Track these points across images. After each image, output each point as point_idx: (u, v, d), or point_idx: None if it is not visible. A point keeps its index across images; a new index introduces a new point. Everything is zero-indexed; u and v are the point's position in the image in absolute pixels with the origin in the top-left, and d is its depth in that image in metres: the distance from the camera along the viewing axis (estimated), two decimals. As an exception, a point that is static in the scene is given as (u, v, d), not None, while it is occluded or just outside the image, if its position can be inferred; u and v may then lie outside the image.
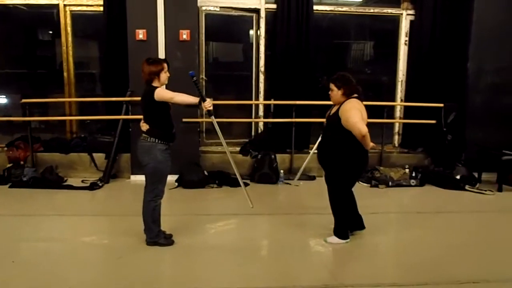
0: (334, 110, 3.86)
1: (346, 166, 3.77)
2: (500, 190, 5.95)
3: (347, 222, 3.99)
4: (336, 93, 3.77)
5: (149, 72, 3.66)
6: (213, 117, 3.86)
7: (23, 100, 6.30)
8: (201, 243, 4.00)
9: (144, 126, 3.74)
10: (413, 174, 6.20)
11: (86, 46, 7.19)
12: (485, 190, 5.89)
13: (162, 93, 3.61)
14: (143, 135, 3.74)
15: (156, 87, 3.64)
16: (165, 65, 3.71)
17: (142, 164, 3.77)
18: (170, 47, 6.03)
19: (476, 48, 6.54)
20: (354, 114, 3.63)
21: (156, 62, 3.71)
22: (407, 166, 6.34)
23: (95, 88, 7.21)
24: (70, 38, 6.63)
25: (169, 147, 3.79)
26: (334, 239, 3.93)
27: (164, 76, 3.70)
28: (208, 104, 3.61)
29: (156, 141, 3.69)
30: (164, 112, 3.72)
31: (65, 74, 6.67)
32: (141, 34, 5.97)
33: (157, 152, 3.69)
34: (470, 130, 6.54)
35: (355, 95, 3.78)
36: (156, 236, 3.85)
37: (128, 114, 6.21)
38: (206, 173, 6.08)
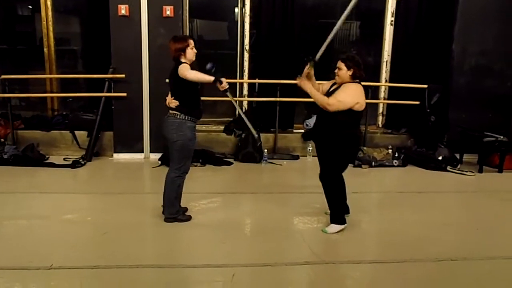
0: (334, 89, 3.75)
1: (342, 145, 3.69)
2: (480, 171, 6.04)
3: (343, 206, 3.91)
4: (344, 72, 3.65)
5: (175, 49, 3.72)
6: (228, 93, 3.83)
7: (3, 76, 6.14)
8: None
9: (174, 103, 3.74)
10: (396, 155, 6.26)
11: (67, 22, 7.01)
12: (466, 171, 5.97)
13: (181, 69, 3.63)
14: (172, 111, 3.74)
15: (182, 63, 3.66)
16: (191, 41, 3.76)
17: (171, 141, 3.75)
18: (153, 24, 5.94)
19: (461, 30, 6.54)
20: (348, 96, 3.55)
21: (182, 39, 3.78)
22: (390, 147, 6.40)
23: (76, 65, 7.08)
24: (50, 13, 6.47)
25: (196, 124, 3.84)
26: (334, 228, 3.82)
27: (191, 52, 3.74)
28: (224, 84, 3.66)
29: (186, 118, 3.72)
30: (193, 89, 3.75)
31: (45, 50, 6.53)
32: (123, 9, 5.85)
33: (186, 130, 3.73)
34: (454, 112, 6.57)
35: (358, 80, 3.69)
36: (177, 212, 3.91)
37: (110, 92, 6.11)
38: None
